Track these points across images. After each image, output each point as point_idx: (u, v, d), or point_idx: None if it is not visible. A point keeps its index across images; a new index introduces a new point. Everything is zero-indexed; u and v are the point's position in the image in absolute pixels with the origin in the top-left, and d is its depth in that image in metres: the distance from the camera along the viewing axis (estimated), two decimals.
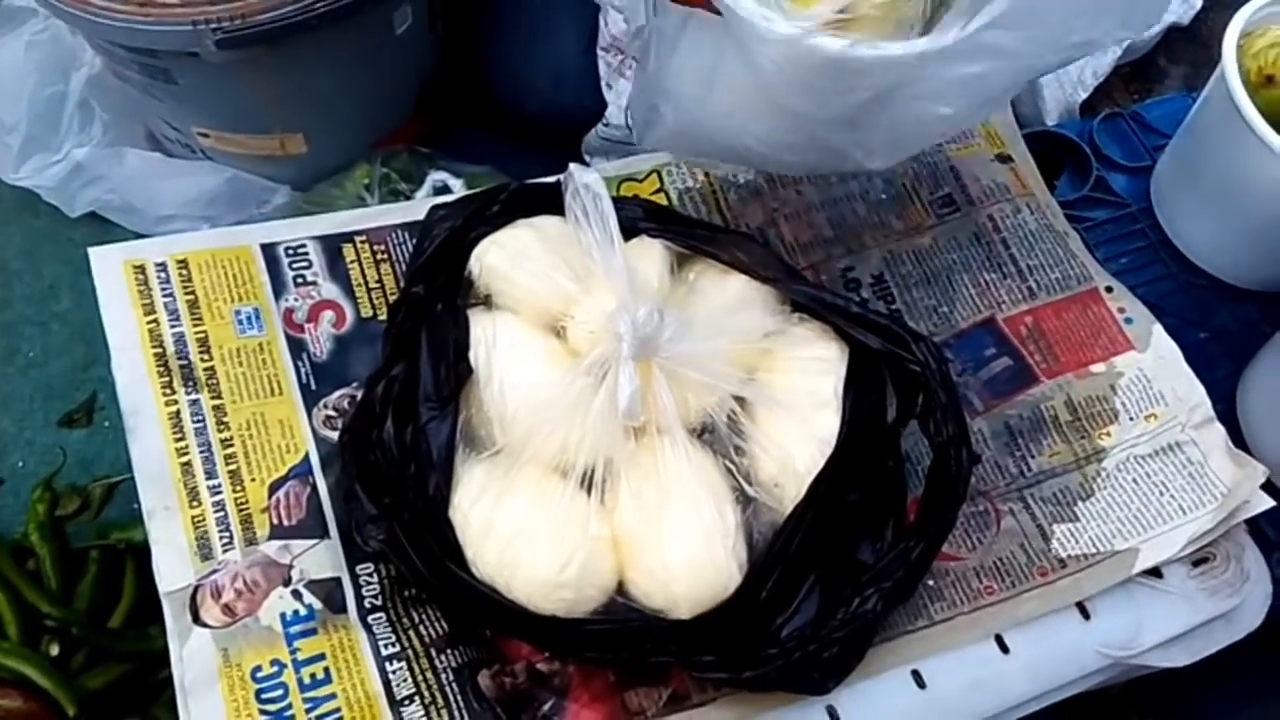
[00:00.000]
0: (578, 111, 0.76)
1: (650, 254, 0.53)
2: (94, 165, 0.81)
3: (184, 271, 0.54)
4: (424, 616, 0.50)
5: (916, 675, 0.50)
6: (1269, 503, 0.54)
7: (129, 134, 0.82)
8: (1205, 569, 0.53)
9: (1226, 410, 0.61)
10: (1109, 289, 0.60)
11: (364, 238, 0.57)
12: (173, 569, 0.48)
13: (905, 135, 0.49)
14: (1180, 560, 0.53)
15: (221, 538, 0.49)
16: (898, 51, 0.44)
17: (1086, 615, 0.52)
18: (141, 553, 0.67)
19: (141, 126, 0.83)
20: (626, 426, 0.49)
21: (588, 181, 0.48)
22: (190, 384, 0.52)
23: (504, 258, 0.52)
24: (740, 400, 0.51)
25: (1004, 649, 0.51)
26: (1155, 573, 0.53)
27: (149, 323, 0.53)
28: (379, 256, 0.57)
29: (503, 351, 0.50)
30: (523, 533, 0.47)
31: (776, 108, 0.46)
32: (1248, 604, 0.54)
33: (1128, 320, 0.59)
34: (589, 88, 0.75)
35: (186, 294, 0.54)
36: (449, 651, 0.49)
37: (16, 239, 0.86)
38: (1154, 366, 0.57)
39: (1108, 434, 0.56)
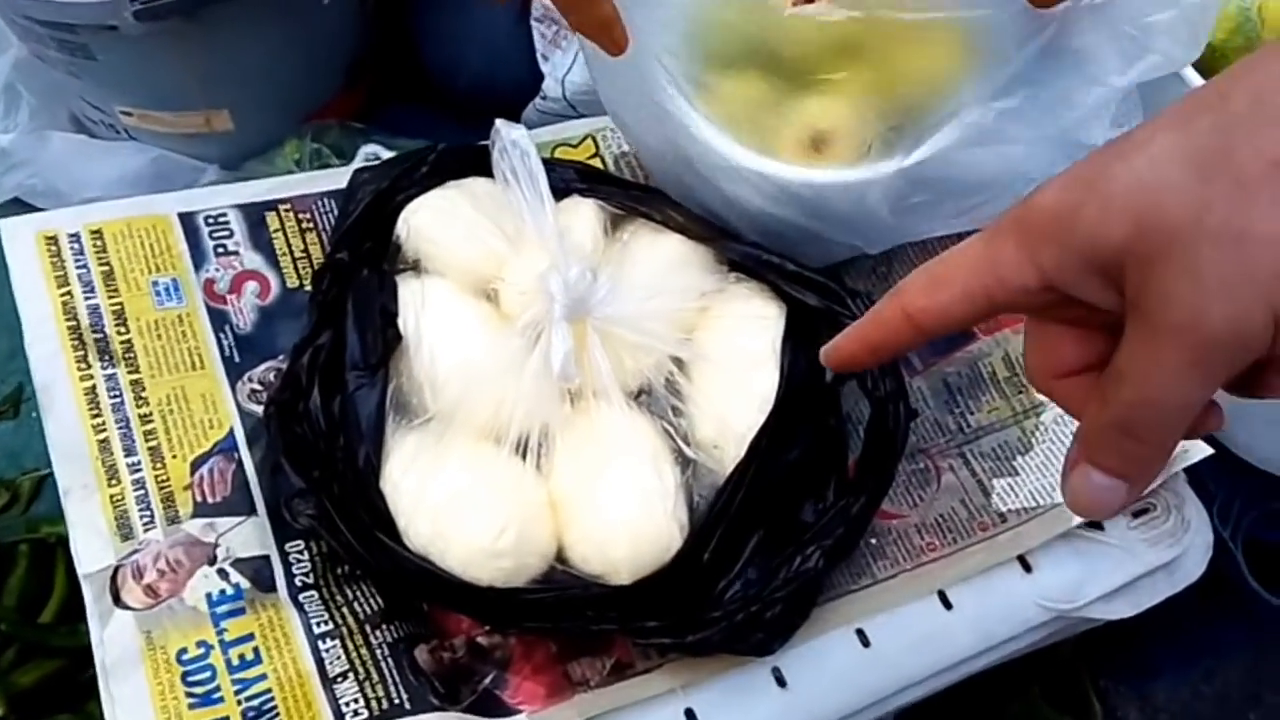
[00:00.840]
0: (512, 85, 0.75)
1: (582, 213, 0.52)
2: (18, 150, 0.78)
3: (98, 242, 0.53)
4: (358, 593, 0.48)
5: (861, 634, 0.50)
6: (1207, 451, 0.54)
7: (53, 117, 0.80)
8: (1145, 520, 0.53)
9: None
10: None
11: (288, 206, 0.56)
12: (91, 550, 0.46)
13: (896, 229, 0.53)
14: (1120, 512, 0.53)
15: (142, 517, 0.47)
16: (851, 178, 0.48)
17: (1028, 569, 0.52)
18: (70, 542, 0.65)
19: (65, 109, 0.81)
20: (562, 390, 0.48)
21: (514, 138, 0.47)
22: (106, 358, 0.50)
23: (432, 220, 0.51)
24: (678, 361, 0.50)
25: (947, 605, 0.51)
26: (1096, 525, 0.53)
27: (62, 295, 0.51)
28: (304, 225, 0.56)
29: (432, 316, 0.49)
30: (456, 501, 0.46)
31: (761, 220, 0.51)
32: (1189, 554, 0.54)
33: None
34: (523, 60, 0.74)
35: (101, 265, 0.52)
36: (384, 627, 0.47)
37: None
38: None
39: None
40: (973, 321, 0.29)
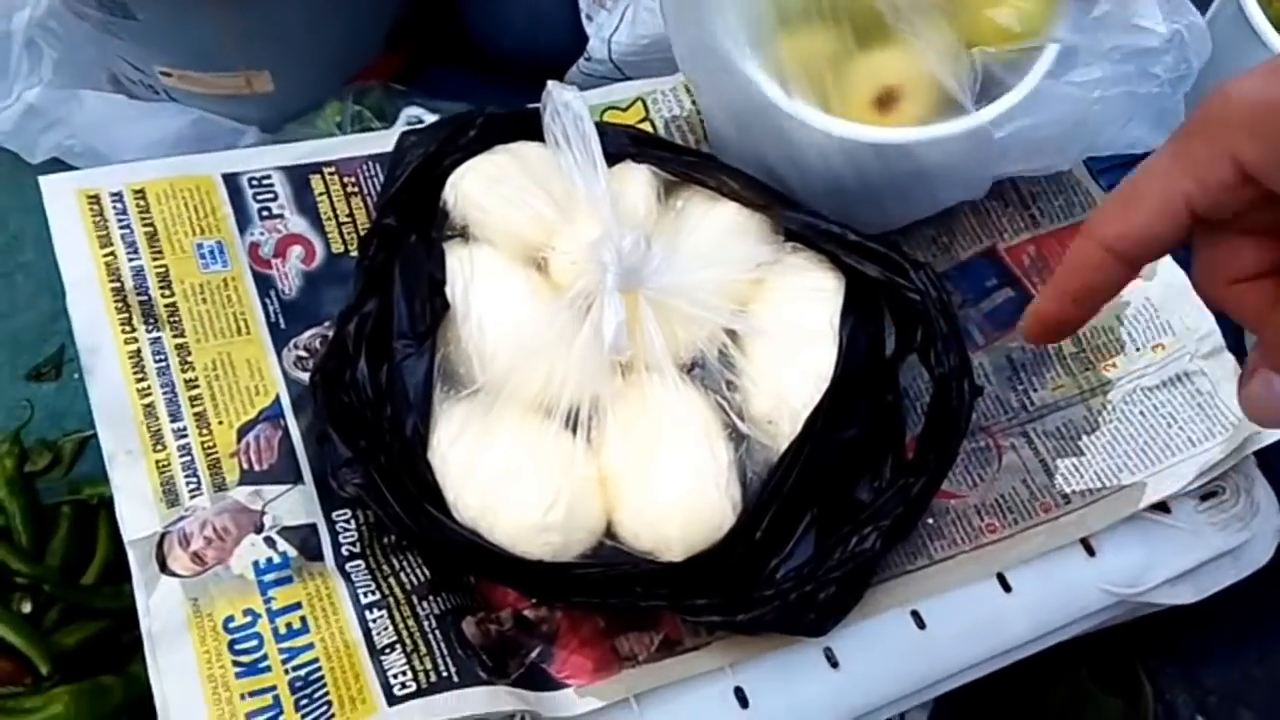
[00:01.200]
0: (556, 46, 0.73)
1: (636, 179, 0.50)
2: (50, 108, 0.77)
3: (141, 202, 0.51)
4: (404, 563, 0.48)
5: (916, 615, 0.48)
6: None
7: (88, 75, 0.79)
8: (1214, 503, 0.52)
9: (1236, 345, 0.59)
10: None
11: (333, 169, 0.54)
12: (137, 516, 0.46)
13: (973, 178, 0.52)
14: (1188, 494, 0.51)
15: (189, 483, 0.47)
16: (931, 134, 0.47)
17: (1091, 552, 0.50)
18: (114, 507, 0.65)
19: (103, 69, 0.80)
20: (613, 362, 0.47)
21: (567, 100, 0.46)
22: (151, 321, 0.49)
23: (481, 185, 0.49)
24: (732, 334, 0.48)
25: (1006, 588, 0.49)
26: (1163, 508, 0.51)
27: (105, 255, 0.50)
28: (349, 189, 0.54)
29: (481, 285, 0.48)
30: (506, 474, 0.45)
31: (837, 182, 0.50)
32: (1257, 538, 0.52)
33: None
34: (567, 20, 0.72)
35: (145, 225, 0.51)
36: (431, 598, 0.47)
37: None
38: (1161, 296, 0.55)
39: (1113, 365, 0.54)
40: (1175, 240, 0.27)
